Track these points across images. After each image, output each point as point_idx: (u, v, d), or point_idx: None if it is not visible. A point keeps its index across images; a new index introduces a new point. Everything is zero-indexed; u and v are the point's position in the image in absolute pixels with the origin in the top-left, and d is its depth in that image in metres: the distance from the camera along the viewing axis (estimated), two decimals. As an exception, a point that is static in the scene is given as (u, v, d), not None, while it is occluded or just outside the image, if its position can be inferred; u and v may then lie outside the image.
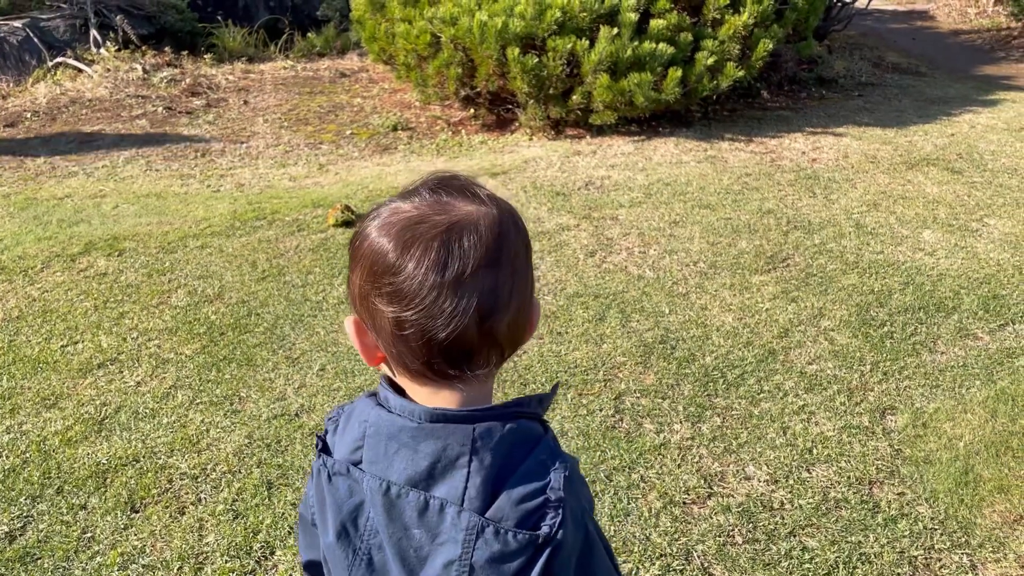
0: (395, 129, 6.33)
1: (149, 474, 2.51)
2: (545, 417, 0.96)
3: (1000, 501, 2.39)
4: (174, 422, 2.75)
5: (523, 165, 5.14)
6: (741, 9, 5.54)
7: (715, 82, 5.48)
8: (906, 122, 5.98)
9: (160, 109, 6.66)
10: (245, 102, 6.96)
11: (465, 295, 0.83)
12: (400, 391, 0.92)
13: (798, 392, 2.89)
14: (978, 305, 3.42)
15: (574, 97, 5.51)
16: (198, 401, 2.86)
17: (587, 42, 5.33)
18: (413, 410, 0.88)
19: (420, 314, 0.83)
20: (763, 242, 3.98)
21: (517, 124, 6.08)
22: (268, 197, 4.75)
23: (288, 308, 3.45)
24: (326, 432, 0.99)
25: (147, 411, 2.81)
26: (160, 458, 2.58)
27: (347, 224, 4.23)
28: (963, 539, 2.26)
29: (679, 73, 5.30)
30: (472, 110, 6.33)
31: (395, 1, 6.17)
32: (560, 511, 0.85)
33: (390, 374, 0.93)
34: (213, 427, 2.72)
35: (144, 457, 2.58)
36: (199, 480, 2.49)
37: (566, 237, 4.06)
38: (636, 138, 5.63)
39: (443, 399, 0.90)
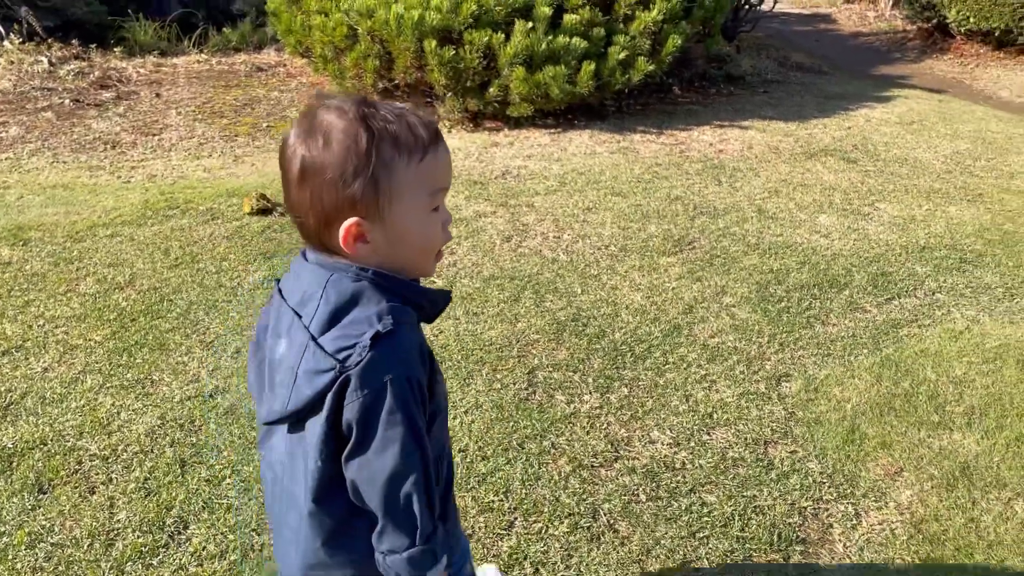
0: (313, 122, 6.30)
1: (57, 456, 2.48)
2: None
3: (883, 456, 2.57)
4: (83, 406, 2.71)
5: (441, 156, 5.20)
6: (651, 6, 5.72)
7: (627, 76, 5.65)
8: (807, 116, 6.28)
9: (67, 101, 6.46)
10: (157, 95, 6.81)
11: None
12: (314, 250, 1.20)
13: (700, 363, 3.03)
14: (867, 282, 3.64)
15: (491, 90, 5.60)
16: (108, 385, 2.82)
17: (503, 36, 5.43)
18: (307, 255, 1.19)
19: None
20: (671, 227, 4.15)
21: (436, 116, 6.13)
22: (181, 187, 4.69)
23: (202, 294, 3.43)
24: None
25: (55, 396, 2.76)
26: (69, 441, 2.55)
27: (263, 212, 4.21)
28: (848, 491, 2.43)
29: (592, 67, 5.45)
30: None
31: (311, -6, 6.16)
32: (363, 353, 1.07)
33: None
34: (124, 410, 2.70)
35: (52, 440, 2.55)
36: (110, 461, 2.47)
37: (483, 223, 4.14)
38: (552, 130, 5.76)
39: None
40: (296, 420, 1.17)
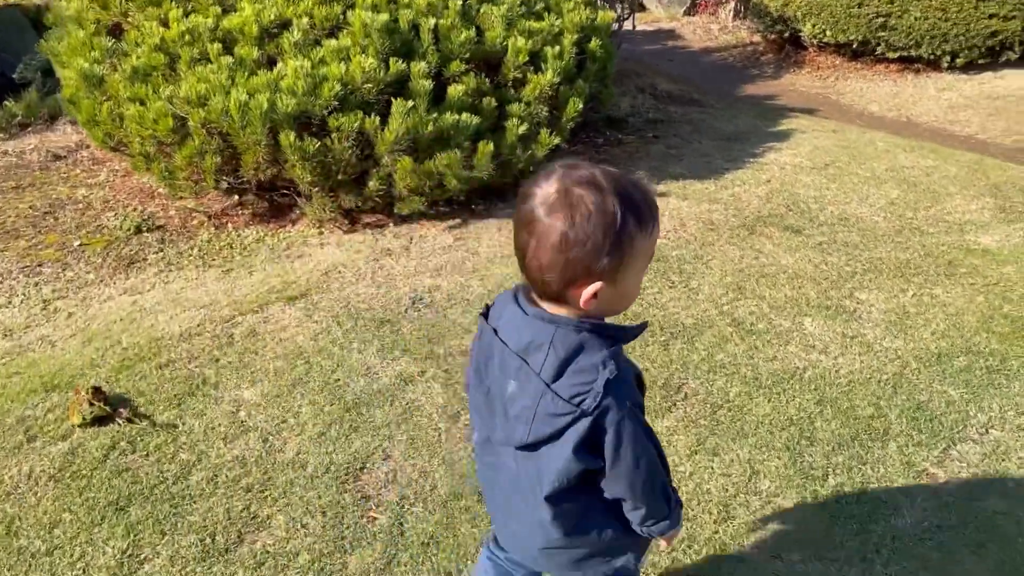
0: (139, 231, 5.01)
1: None
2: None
3: None
4: None
5: (324, 279, 4.14)
6: (543, 67, 4.91)
7: (530, 152, 4.81)
8: (717, 170, 5.68)
9: None
10: (-79, 214, 5.25)
11: None
12: (531, 300, 1.40)
13: (779, 612, 2.23)
14: (907, 423, 2.99)
15: (371, 183, 4.58)
16: None
17: (378, 118, 4.43)
18: (526, 309, 1.38)
19: None
20: (645, 363, 3.34)
21: (299, 212, 5.03)
22: (-28, 382, 3.37)
23: (31, 607, 2.25)
24: (488, 307, 1.50)
25: None
26: None
27: (99, 421, 3.02)
28: None
29: (490, 147, 4.56)
30: (237, 196, 5.19)
31: (118, 75, 4.86)
32: (597, 399, 1.30)
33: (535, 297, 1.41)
34: None
35: None
36: None
37: (413, 396, 3.15)
38: (450, 222, 4.81)
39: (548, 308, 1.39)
40: (532, 448, 1.41)
